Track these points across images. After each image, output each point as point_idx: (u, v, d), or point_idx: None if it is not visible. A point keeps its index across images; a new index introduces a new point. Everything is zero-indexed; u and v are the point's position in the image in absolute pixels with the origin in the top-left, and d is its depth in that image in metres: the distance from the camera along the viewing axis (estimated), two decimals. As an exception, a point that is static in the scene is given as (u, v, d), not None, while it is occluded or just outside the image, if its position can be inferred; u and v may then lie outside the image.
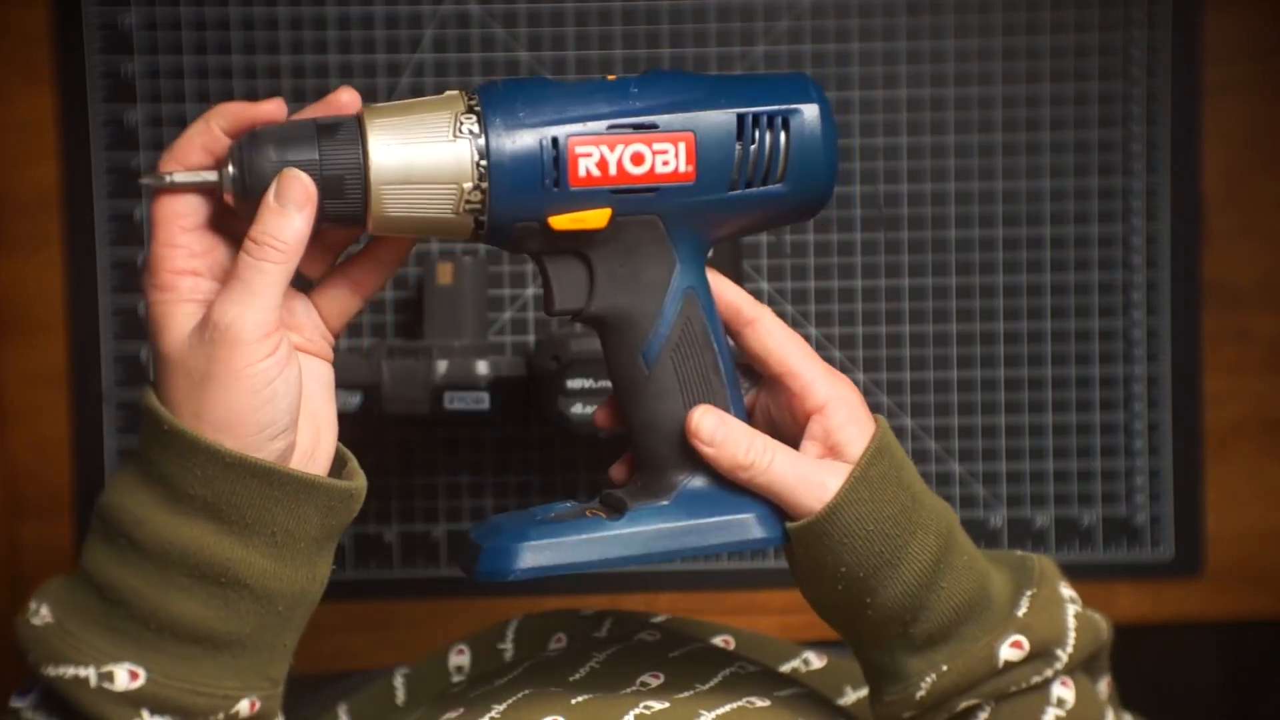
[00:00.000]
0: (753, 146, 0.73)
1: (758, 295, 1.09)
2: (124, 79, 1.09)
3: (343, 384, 1.02)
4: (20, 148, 1.10)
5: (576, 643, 0.86)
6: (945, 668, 0.74)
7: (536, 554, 0.73)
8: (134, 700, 0.68)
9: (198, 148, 0.69)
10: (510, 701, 0.75)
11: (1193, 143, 1.12)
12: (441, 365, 1.03)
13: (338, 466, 0.73)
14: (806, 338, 0.94)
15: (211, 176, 0.69)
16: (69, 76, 1.09)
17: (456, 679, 0.90)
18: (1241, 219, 1.13)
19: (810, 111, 0.74)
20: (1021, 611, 0.75)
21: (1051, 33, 1.11)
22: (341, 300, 0.74)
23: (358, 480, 0.71)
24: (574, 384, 1.01)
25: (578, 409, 1.01)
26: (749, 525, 0.75)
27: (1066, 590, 0.78)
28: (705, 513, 0.75)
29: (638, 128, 0.71)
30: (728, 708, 0.73)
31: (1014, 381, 1.13)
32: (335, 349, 0.75)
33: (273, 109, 0.70)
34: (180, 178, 0.69)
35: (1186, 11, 1.11)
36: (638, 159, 0.71)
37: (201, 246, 0.69)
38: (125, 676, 0.68)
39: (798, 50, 1.11)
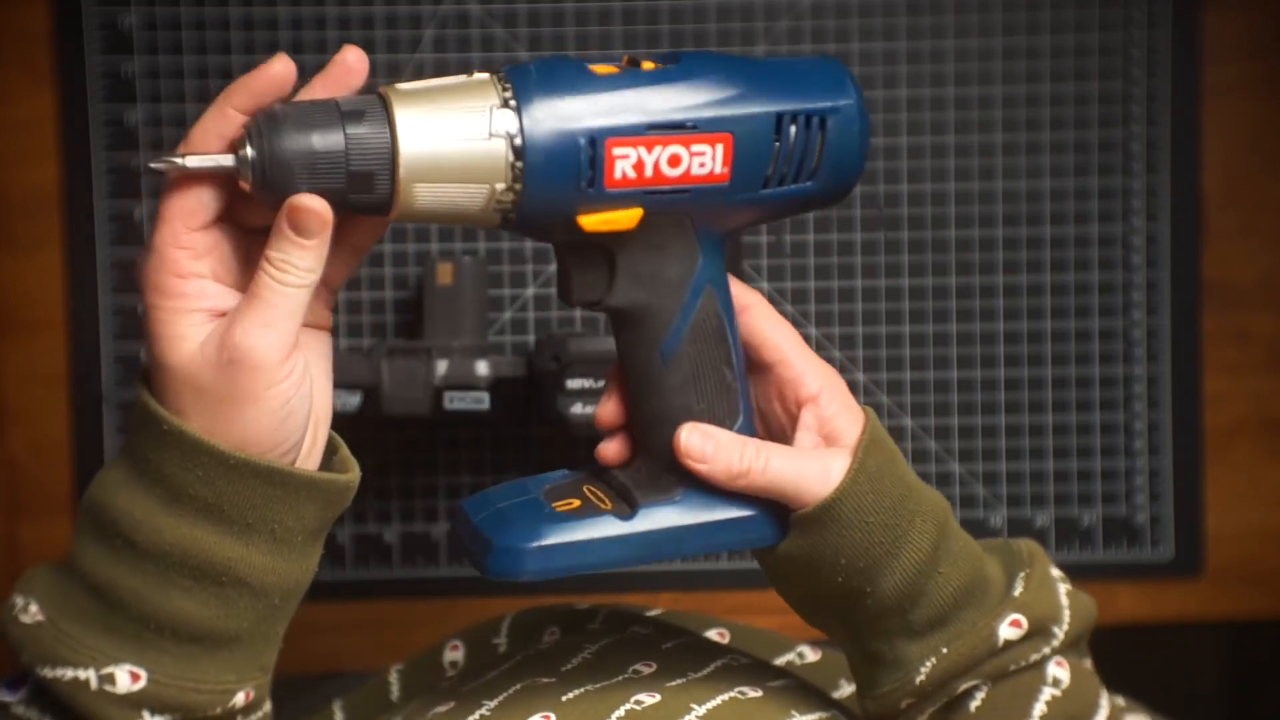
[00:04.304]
0: (790, 144, 0.71)
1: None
2: (124, 79, 1.09)
3: (343, 384, 1.02)
4: (20, 148, 1.10)
5: (570, 636, 0.86)
6: (945, 650, 0.75)
7: (551, 556, 0.72)
8: (135, 702, 0.67)
9: (214, 136, 0.66)
10: (501, 698, 0.75)
11: (1193, 143, 1.12)
12: (441, 365, 1.03)
13: (328, 454, 0.73)
14: (806, 338, 0.95)
15: (228, 161, 0.65)
16: (69, 76, 1.09)
17: (451, 674, 0.90)
18: (1241, 219, 1.13)
19: (848, 109, 0.72)
20: (1018, 591, 0.76)
21: (1051, 33, 1.11)
22: (340, 261, 0.71)
23: (354, 473, 0.71)
24: (574, 384, 1.01)
25: (578, 409, 1.01)
26: (754, 522, 0.74)
27: (1055, 570, 0.79)
28: (712, 510, 0.74)
29: (676, 127, 0.69)
30: (719, 699, 0.73)
31: (1014, 381, 1.13)
32: (335, 309, 0.73)
33: (281, 70, 0.66)
34: (194, 162, 0.65)
35: (1186, 11, 1.11)
36: (674, 161, 0.69)
37: (206, 246, 0.67)
38: (126, 678, 0.67)
39: (797, 50, 1.10)
